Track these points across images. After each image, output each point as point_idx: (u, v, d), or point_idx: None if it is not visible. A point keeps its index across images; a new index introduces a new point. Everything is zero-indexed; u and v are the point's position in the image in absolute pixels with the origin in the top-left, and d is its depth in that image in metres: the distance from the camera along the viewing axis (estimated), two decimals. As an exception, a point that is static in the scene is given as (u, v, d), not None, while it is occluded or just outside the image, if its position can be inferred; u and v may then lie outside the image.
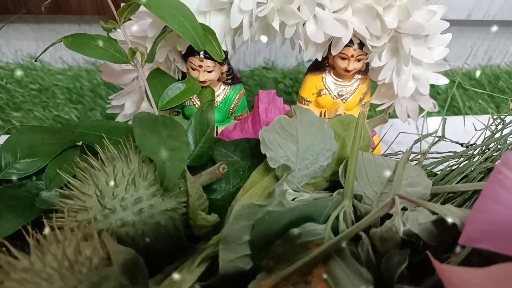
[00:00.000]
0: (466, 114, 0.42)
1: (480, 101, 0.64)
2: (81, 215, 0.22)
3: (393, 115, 0.42)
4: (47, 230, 0.18)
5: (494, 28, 0.66)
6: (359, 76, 0.37)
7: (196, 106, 0.35)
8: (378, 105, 0.40)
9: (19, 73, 0.56)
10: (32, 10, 0.60)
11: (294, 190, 0.26)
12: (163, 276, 0.23)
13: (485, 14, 0.66)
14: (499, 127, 0.33)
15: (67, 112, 0.58)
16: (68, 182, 0.24)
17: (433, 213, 0.20)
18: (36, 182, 0.31)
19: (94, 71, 0.65)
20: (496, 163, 0.28)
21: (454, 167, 0.29)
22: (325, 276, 0.19)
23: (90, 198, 0.22)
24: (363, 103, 0.38)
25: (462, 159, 0.30)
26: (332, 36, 0.31)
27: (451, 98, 0.65)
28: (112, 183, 0.22)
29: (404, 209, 0.23)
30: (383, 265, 0.19)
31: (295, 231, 0.21)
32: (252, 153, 0.32)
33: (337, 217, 0.22)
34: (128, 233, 0.22)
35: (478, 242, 0.17)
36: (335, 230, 0.22)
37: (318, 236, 0.21)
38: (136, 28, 0.31)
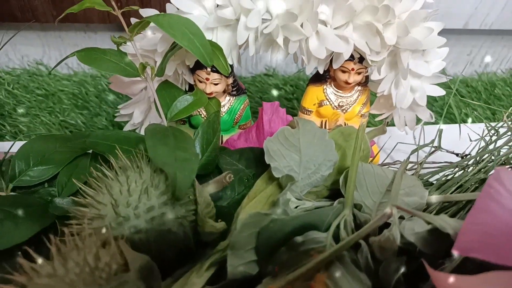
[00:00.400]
0: (462, 122, 0.43)
1: (475, 112, 0.66)
2: (96, 222, 0.23)
3: (391, 123, 0.44)
4: (67, 237, 0.19)
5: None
6: (359, 88, 0.38)
7: (203, 116, 0.37)
8: (377, 115, 0.42)
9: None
10: (39, 18, 0.61)
11: (297, 199, 0.28)
12: (173, 280, 0.24)
13: (482, 23, 0.67)
14: (493, 138, 0.34)
15: (73, 118, 0.59)
16: (82, 190, 0.25)
17: (429, 223, 0.22)
18: (48, 189, 0.33)
19: (99, 77, 0.67)
20: (489, 175, 0.29)
21: (449, 177, 0.31)
22: (327, 281, 0.20)
23: (105, 206, 0.24)
24: (363, 113, 0.40)
25: (457, 169, 0.32)
26: (334, 52, 0.33)
27: (448, 105, 0.67)
28: (126, 192, 0.24)
29: (401, 217, 0.25)
30: (381, 272, 0.21)
31: (299, 239, 0.22)
32: (256, 162, 0.34)
33: (338, 226, 0.24)
34: (141, 240, 0.23)
35: (470, 252, 0.19)
36: (336, 238, 0.23)
37: (320, 244, 0.22)
38: (146, 43, 0.32)
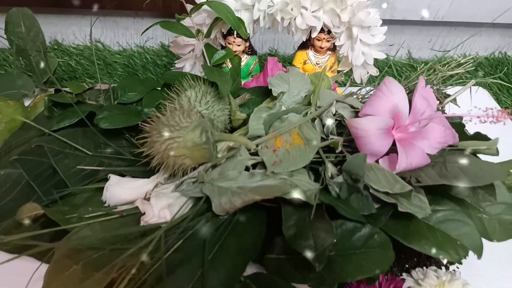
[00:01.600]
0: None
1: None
2: (178, 110, 0.44)
3: (354, 83, 0.64)
4: (175, 103, 0.40)
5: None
6: (330, 52, 0.59)
7: (229, 67, 0.58)
8: (341, 71, 0.63)
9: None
10: (103, 5, 0.82)
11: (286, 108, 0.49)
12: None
13: (435, 16, 0.88)
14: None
15: (126, 80, 0.80)
16: (167, 96, 0.46)
17: (352, 106, 0.42)
18: (136, 107, 0.54)
19: (143, 53, 0.87)
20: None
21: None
22: (298, 132, 0.41)
23: (183, 101, 0.45)
24: (333, 69, 0.60)
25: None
26: (311, 26, 0.54)
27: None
28: (194, 94, 0.45)
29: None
30: (325, 130, 0.42)
31: (285, 116, 0.43)
32: (263, 94, 0.54)
33: (306, 113, 0.45)
34: (202, 119, 0.44)
35: (365, 113, 0.40)
36: (305, 119, 0.44)
37: (295, 118, 0.43)
38: (197, 19, 0.53)
